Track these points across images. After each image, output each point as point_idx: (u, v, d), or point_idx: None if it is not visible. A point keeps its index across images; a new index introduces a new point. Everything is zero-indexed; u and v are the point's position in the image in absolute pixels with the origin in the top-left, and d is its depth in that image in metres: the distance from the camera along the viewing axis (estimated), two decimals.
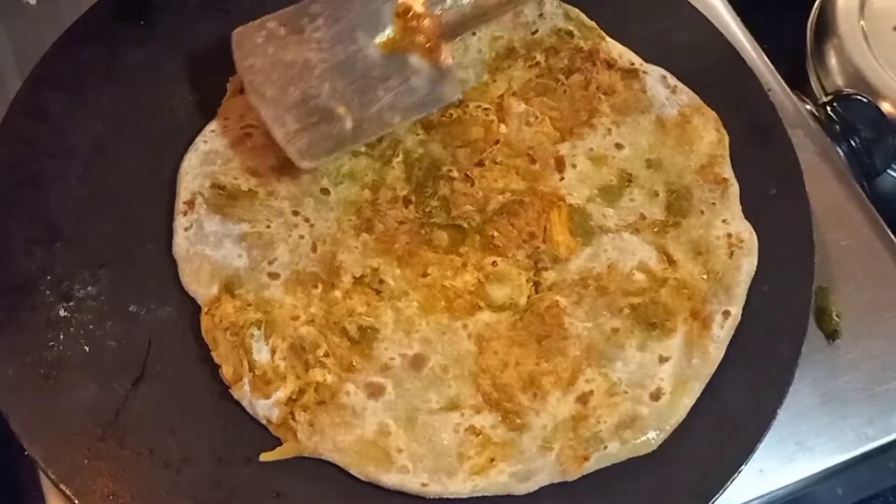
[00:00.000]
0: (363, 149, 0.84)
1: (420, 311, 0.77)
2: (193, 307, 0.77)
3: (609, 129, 0.86)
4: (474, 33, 0.88)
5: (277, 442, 0.72)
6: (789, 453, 0.80)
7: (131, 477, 0.69)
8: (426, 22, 0.81)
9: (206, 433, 0.72)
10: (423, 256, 0.79)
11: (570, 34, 0.90)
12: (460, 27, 0.83)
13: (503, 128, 0.85)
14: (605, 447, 0.72)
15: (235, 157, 0.82)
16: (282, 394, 0.73)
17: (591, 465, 0.72)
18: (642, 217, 0.82)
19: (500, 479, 0.71)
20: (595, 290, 0.78)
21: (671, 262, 0.80)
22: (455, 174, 0.83)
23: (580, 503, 0.72)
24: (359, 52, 0.81)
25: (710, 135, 0.86)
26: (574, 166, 0.84)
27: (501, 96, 0.87)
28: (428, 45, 0.81)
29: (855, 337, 0.85)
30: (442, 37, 0.81)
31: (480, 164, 0.83)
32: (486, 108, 0.86)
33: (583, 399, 0.74)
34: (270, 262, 0.78)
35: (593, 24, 0.91)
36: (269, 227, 0.80)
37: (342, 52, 0.81)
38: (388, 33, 0.82)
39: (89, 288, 0.76)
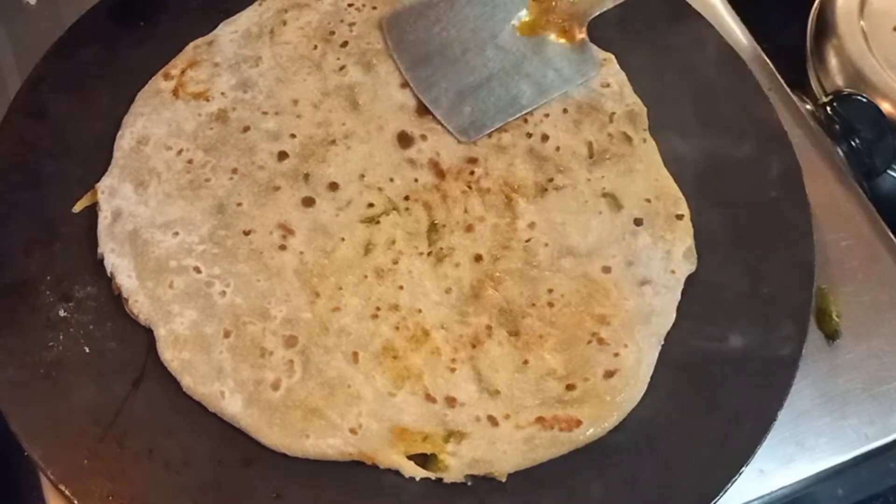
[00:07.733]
0: None
1: None
2: None
3: None
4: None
5: None
6: (790, 454, 0.80)
7: (131, 478, 0.69)
8: (561, 3, 0.87)
9: (206, 434, 0.72)
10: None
11: None
12: (593, 7, 0.88)
13: None
14: None
15: None
16: None
17: None
18: None
19: None
20: None
21: None
22: None
23: None
24: (498, 32, 0.88)
25: None
26: None
27: None
28: (563, 23, 0.87)
29: (855, 337, 0.85)
30: (574, 18, 0.87)
31: None
32: None
33: None
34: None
35: None
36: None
37: (483, 31, 0.88)
38: (523, 15, 0.89)
39: (89, 288, 0.76)
